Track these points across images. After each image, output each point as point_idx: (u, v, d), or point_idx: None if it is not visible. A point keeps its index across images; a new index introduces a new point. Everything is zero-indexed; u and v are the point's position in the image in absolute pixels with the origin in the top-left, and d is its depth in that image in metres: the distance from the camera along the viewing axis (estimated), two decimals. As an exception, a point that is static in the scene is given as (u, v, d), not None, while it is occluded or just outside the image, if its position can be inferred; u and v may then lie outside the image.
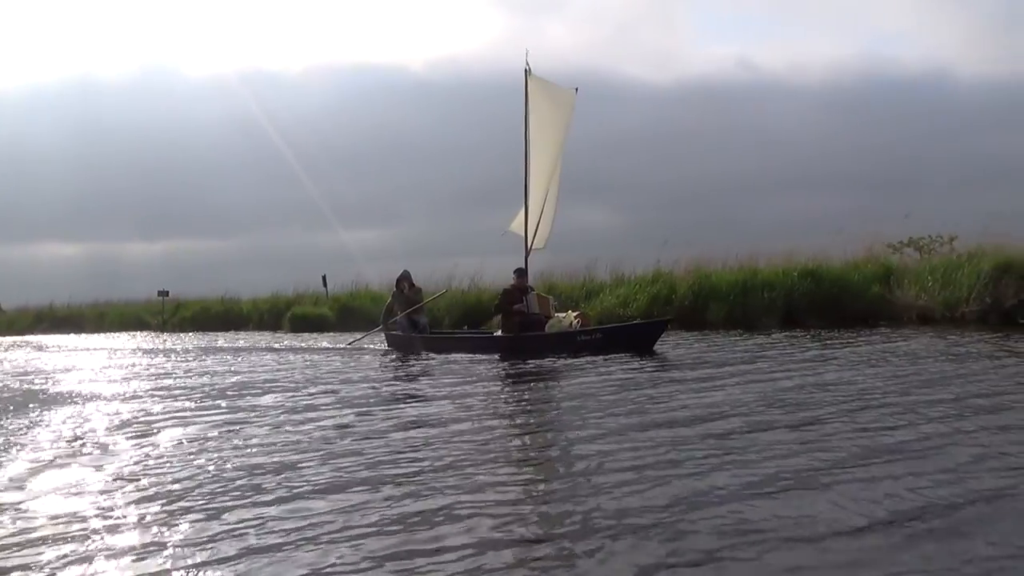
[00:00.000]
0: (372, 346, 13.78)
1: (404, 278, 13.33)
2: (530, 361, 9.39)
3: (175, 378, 8.71)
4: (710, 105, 33.63)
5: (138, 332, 24.06)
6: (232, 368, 9.99)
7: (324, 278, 22.26)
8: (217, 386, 7.64)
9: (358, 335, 15.13)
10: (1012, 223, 13.87)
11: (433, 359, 10.70)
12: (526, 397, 6.62)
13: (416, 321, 13.07)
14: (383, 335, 13.78)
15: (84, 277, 33.79)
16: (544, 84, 12.32)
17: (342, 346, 14.12)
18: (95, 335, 23.40)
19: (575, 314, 11.26)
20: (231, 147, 36.26)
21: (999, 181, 26.74)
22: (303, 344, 15.20)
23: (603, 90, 36.49)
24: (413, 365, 10.10)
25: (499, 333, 11.96)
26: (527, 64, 12.35)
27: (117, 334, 23.45)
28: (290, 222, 36.66)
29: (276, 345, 15.25)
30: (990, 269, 12.35)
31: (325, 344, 14.92)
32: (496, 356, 10.61)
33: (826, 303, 13.86)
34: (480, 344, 11.97)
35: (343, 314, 20.57)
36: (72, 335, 23.55)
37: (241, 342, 16.83)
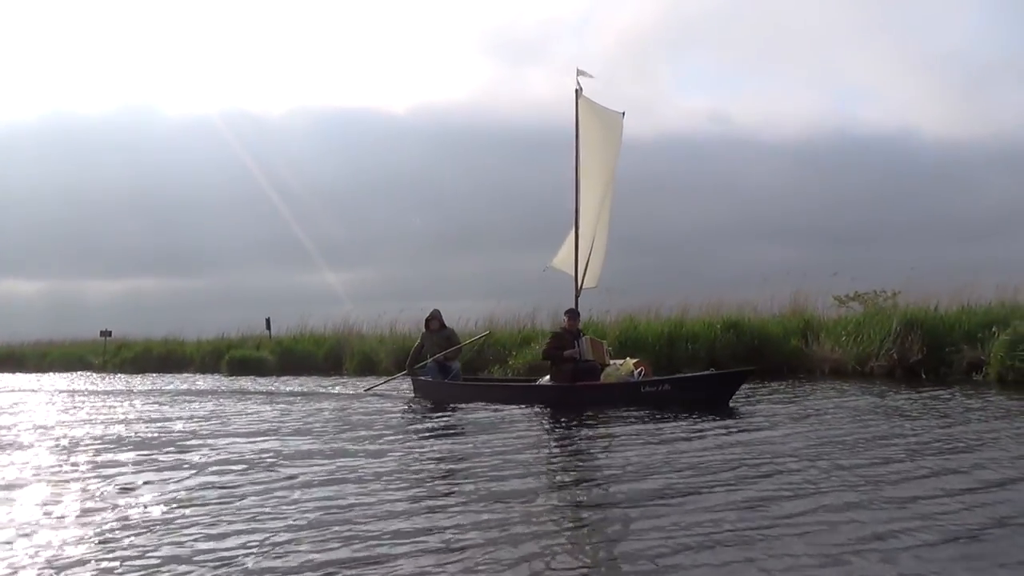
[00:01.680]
0: (395, 393, 12.70)
1: (434, 318, 12.37)
2: (585, 415, 8.51)
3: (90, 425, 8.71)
4: (684, 157, 34.60)
5: (78, 372, 23.67)
6: (187, 414, 9.70)
7: (268, 321, 22.24)
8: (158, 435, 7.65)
9: (378, 380, 14.07)
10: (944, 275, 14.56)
11: (468, 410, 9.64)
12: (584, 462, 5.85)
13: (447, 367, 12.07)
14: (410, 381, 12.60)
15: (40, 314, 33.20)
16: (594, 106, 11.35)
17: (360, 391, 13.14)
18: (32, 374, 22.99)
19: (634, 361, 10.22)
20: (209, 186, 36.13)
21: (956, 237, 27.80)
22: (308, 389, 14.24)
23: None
24: (444, 416, 9.22)
25: (543, 380, 10.77)
26: (578, 84, 11.39)
27: (56, 374, 23.04)
28: (264, 261, 36.45)
29: (283, 389, 14.46)
30: (897, 325, 12.88)
31: (338, 390, 14.01)
32: (543, 408, 9.53)
33: (747, 354, 14.25)
34: (525, 394, 10.56)
35: (284, 358, 20.52)
36: (6, 374, 23.11)
37: (201, 383, 16.65)
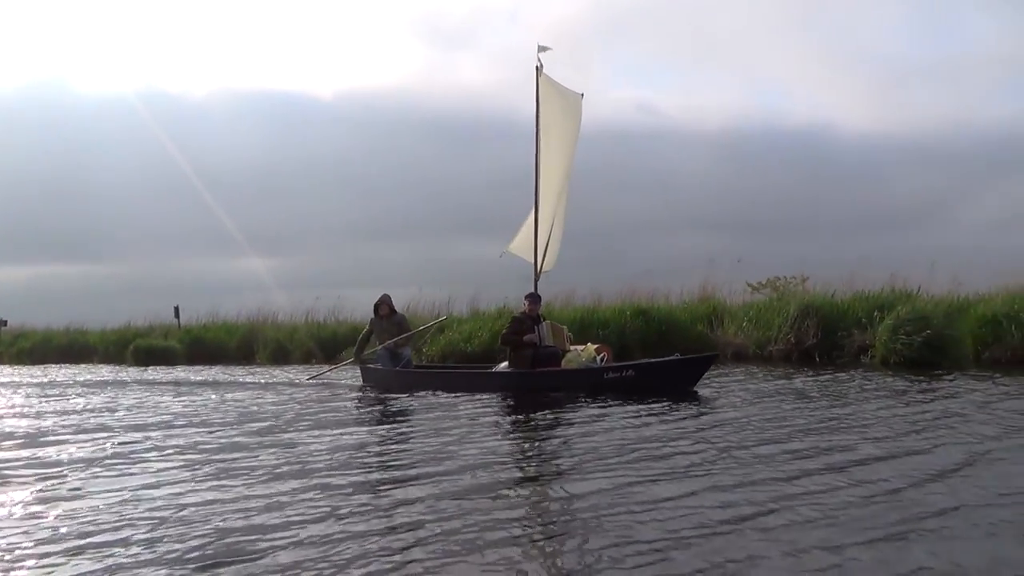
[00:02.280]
0: (344, 381, 12.09)
1: (383, 303, 11.68)
2: (545, 402, 8.20)
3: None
4: (612, 146, 34.97)
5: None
6: (99, 406, 9.15)
7: (176, 309, 21.56)
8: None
9: (323, 368, 13.49)
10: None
11: (421, 399, 9.24)
12: (544, 452, 5.55)
13: (398, 353, 11.50)
14: (358, 369, 12.02)
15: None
16: (555, 85, 10.89)
17: (305, 380, 12.46)
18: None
19: (595, 346, 9.94)
20: (123, 168, 34.48)
21: (870, 227, 29.03)
22: (249, 379, 13.46)
23: (510, 129, 37.45)
24: (395, 406, 8.75)
25: (500, 366, 10.32)
26: (539, 60, 10.84)
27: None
28: (183, 248, 35.10)
29: (221, 379, 13.72)
30: (795, 311, 13.44)
31: (282, 378, 13.43)
32: (501, 395, 9.22)
33: (656, 340, 14.61)
34: (481, 381, 10.20)
35: (193, 347, 19.92)
36: None
37: (105, 374, 15.94)
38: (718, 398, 8.27)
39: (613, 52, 41.18)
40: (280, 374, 14.45)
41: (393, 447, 5.77)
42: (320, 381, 12.16)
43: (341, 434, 6.43)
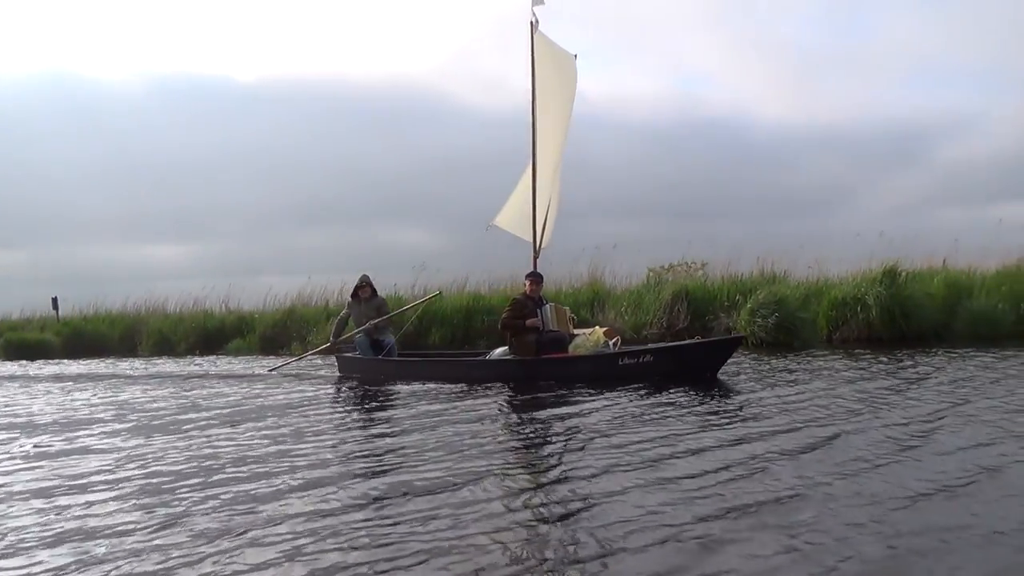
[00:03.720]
0: (319, 371, 11.16)
1: (364, 284, 10.71)
2: (553, 393, 7.45)
3: None
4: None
5: None
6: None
7: (55, 300, 20.57)
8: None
9: (286, 358, 12.38)
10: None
11: (408, 391, 8.26)
12: (554, 452, 4.87)
13: (380, 340, 10.47)
14: (335, 359, 11.01)
15: None
16: (550, 44, 9.98)
17: (267, 371, 11.28)
18: None
19: (603, 330, 9.09)
20: (33, 152, 32.38)
21: (784, 212, 30.14)
22: (204, 369, 12.50)
23: (437, 113, 37.10)
24: (379, 399, 7.91)
25: (496, 353, 9.52)
26: (533, 15, 9.95)
27: None
28: (94, 234, 33.34)
29: (168, 370, 12.56)
30: (669, 296, 13.98)
31: (241, 369, 12.32)
32: (501, 387, 8.27)
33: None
34: (479, 370, 9.24)
35: (72, 340, 19.11)
36: None
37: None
38: (740, 385, 7.65)
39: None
40: (235, 366, 13.24)
41: (375, 450, 5.04)
42: (285, 373, 11.07)
43: (310, 436, 5.62)
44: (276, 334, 16.65)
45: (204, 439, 5.64)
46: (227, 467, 4.59)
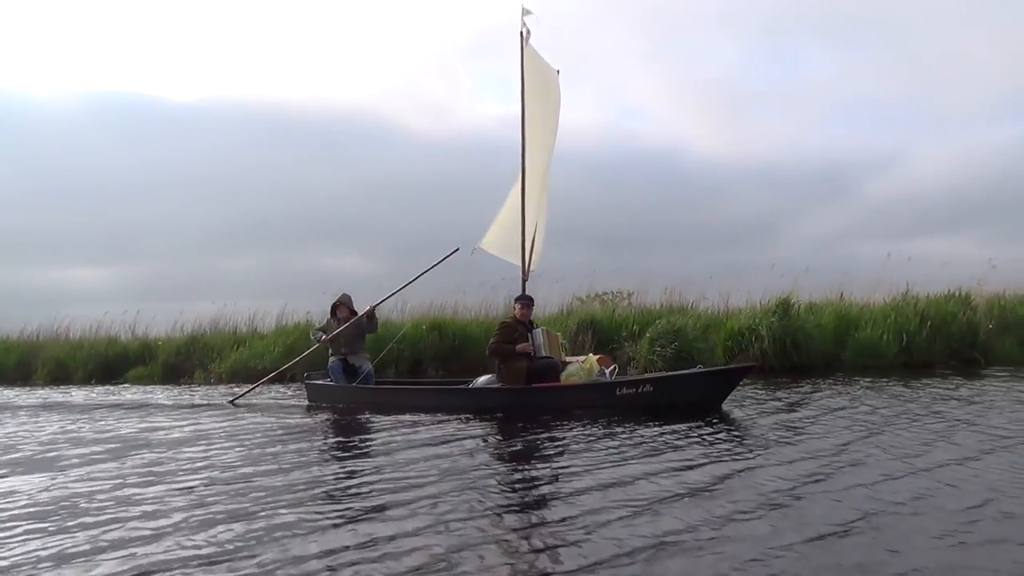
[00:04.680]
0: (286, 400, 10.34)
1: (342, 303, 10.00)
2: (545, 425, 6.91)
3: None
4: (477, 158, 35.20)
5: None
6: None
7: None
8: None
9: (247, 386, 11.27)
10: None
11: (387, 422, 7.55)
12: (544, 493, 4.41)
13: (356, 366, 9.72)
14: (304, 386, 10.15)
15: None
16: (538, 58, 9.59)
17: (228, 400, 10.38)
18: None
19: (597, 357, 8.59)
20: None
21: (714, 243, 30.85)
22: (146, 399, 11.42)
23: (378, 139, 36.87)
24: (356, 431, 7.23)
25: (480, 381, 8.93)
26: (524, 25, 9.53)
27: None
28: (11, 256, 31.75)
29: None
30: (574, 324, 14.16)
31: (186, 400, 11.16)
32: (490, 417, 7.75)
33: (449, 354, 14.92)
34: (465, 399, 8.69)
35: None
36: None
37: None
38: (749, 418, 7.18)
39: (483, 66, 41.75)
40: (131, 395, 12.21)
41: (351, 490, 4.58)
42: (243, 404, 10.13)
43: (278, 474, 5.11)
44: (180, 362, 16.17)
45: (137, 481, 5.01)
46: (184, 517, 4.03)
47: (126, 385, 15.12)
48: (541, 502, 4.20)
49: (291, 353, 14.78)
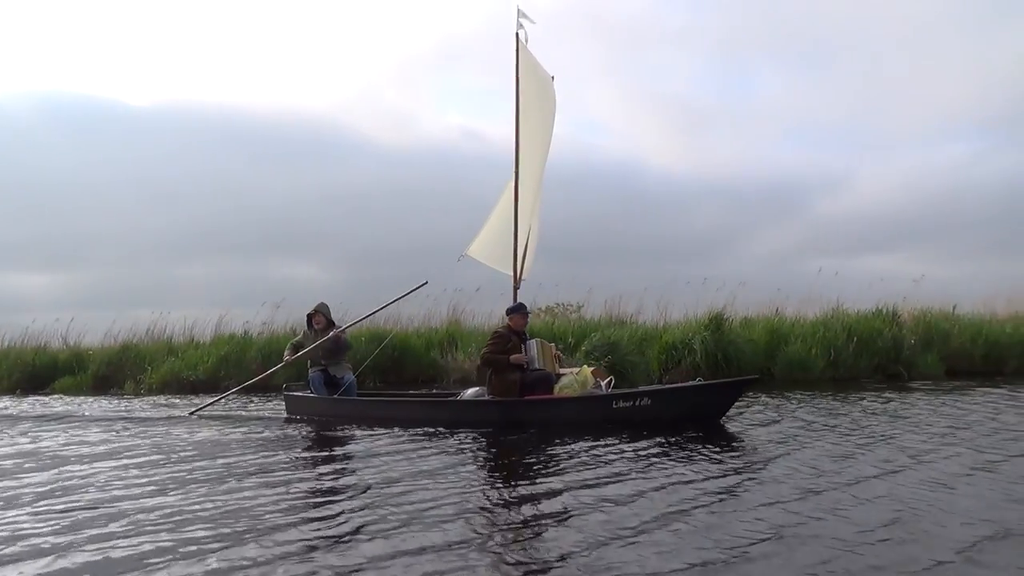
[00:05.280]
0: (260, 412, 9.92)
1: (319, 312, 9.67)
2: (535, 440, 6.76)
3: None
4: (437, 170, 35.02)
5: None
6: None
7: None
8: None
9: (211, 396, 10.83)
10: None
11: (369, 436, 7.35)
12: (534, 513, 4.22)
13: (337, 377, 9.45)
14: (283, 397, 9.78)
15: None
16: (534, 63, 9.39)
17: (190, 412, 9.90)
18: None
19: (591, 369, 8.38)
20: None
21: (671, 257, 31.17)
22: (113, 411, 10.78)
23: (337, 148, 36.43)
24: (334, 447, 6.91)
25: (469, 393, 8.69)
26: (520, 26, 9.31)
27: None
28: None
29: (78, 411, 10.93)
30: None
31: (152, 411, 10.56)
32: (476, 431, 7.46)
33: (389, 365, 14.81)
34: (454, 412, 8.39)
35: None
36: None
37: None
38: (746, 432, 7.13)
39: (447, 77, 41.69)
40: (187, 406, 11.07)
41: (331, 506, 4.41)
42: (207, 415, 9.73)
43: (255, 491, 4.83)
44: (111, 372, 15.72)
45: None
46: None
47: (54, 395, 14.65)
48: (533, 521, 4.05)
49: (225, 364, 14.57)
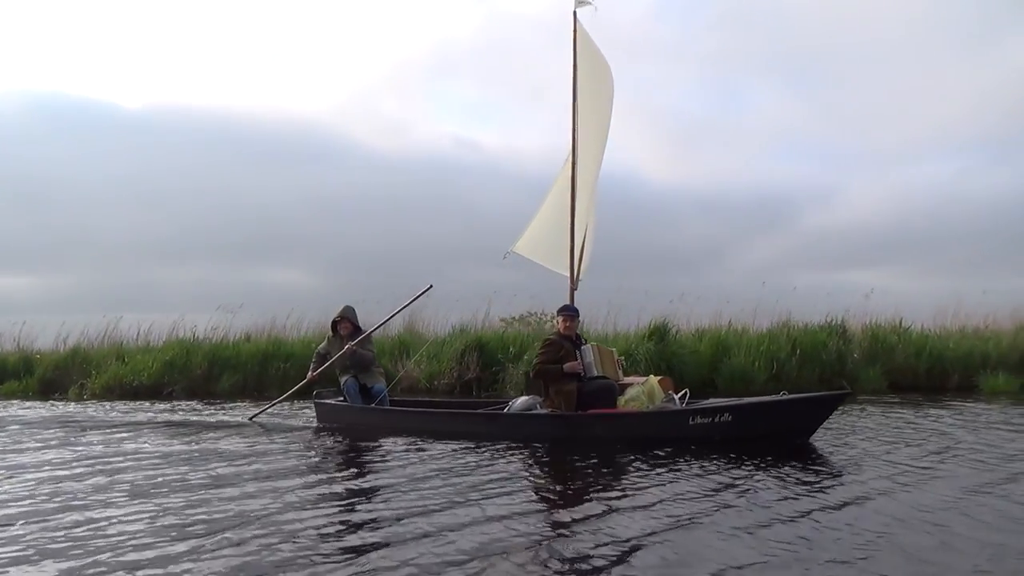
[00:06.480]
0: (289, 420, 9.49)
1: (345, 318, 9.14)
2: (597, 461, 5.96)
3: None
4: (428, 176, 34.99)
5: None
6: None
7: None
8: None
9: (263, 404, 10.41)
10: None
11: (405, 447, 6.83)
12: (599, 553, 3.49)
13: (368, 386, 8.97)
14: (313, 405, 9.33)
15: None
16: (593, 48, 8.81)
17: (248, 420, 9.47)
18: None
19: (658, 379, 7.50)
20: None
21: (660, 268, 31.16)
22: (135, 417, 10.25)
23: (329, 153, 36.36)
24: (371, 459, 6.35)
25: (519, 404, 7.89)
26: (577, 4, 8.81)
27: None
28: None
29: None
30: (460, 346, 14.20)
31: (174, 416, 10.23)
32: (528, 448, 6.69)
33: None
34: (501, 427, 7.59)
35: None
36: None
37: None
38: (844, 454, 6.25)
39: (443, 85, 41.76)
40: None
41: (366, 531, 3.94)
42: (258, 420, 9.39)
43: (260, 515, 4.30)
44: (58, 376, 15.59)
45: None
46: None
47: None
48: (598, 561, 3.40)
49: (170, 369, 14.46)
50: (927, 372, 14.10)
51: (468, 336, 14.57)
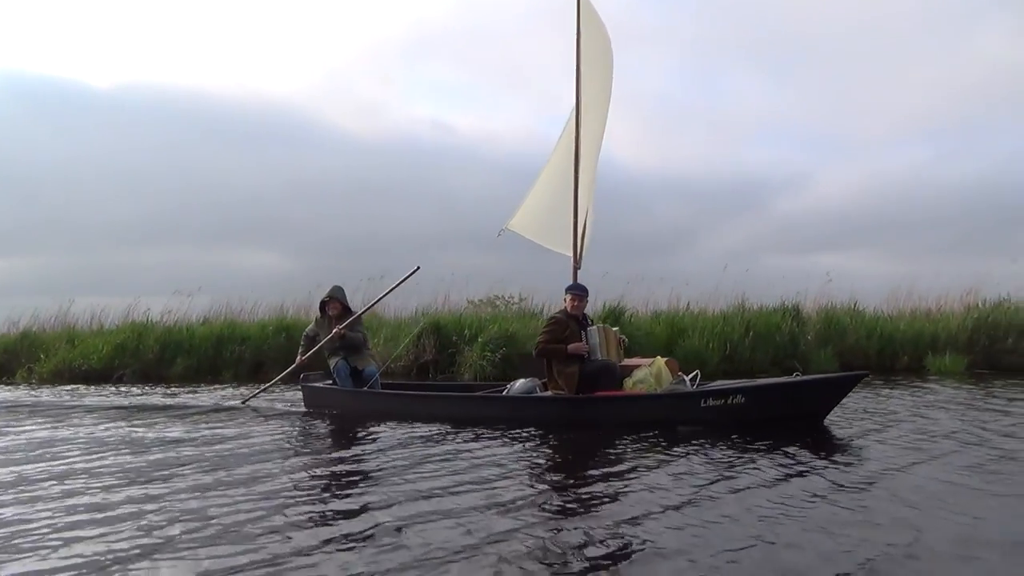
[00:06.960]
0: (276, 404, 9.09)
1: (334, 298, 8.84)
2: (602, 446, 5.74)
3: None
4: (404, 159, 34.48)
5: None
6: None
7: None
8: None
9: (254, 388, 10.15)
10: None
11: (398, 433, 6.48)
12: (601, 547, 3.24)
13: (360, 369, 8.65)
14: (300, 389, 8.88)
15: None
16: (597, 20, 8.55)
17: (238, 403, 9.15)
18: None
19: (665, 360, 7.18)
20: None
21: (633, 252, 31.20)
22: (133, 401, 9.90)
23: (303, 135, 35.65)
24: (361, 444, 6.06)
25: (517, 386, 7.71)
26: None
27: None
28: None
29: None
30: (418, 329, 14.15)
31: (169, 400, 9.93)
32: (528, 432, 6.40)
33: (294, 357, 14.62)
34: (502, 410, 7.38)
35: None
36: None
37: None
38: (864, 438, 5.99)
39: (422, 68, 41.12)
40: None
41: (356, 523, 3.66)
42: (249, 405, 9.04)
43: (249, 503, 4.06)
44: (7, 359, 15.26)
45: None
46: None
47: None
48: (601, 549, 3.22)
49: (121, 353, 14.24)
50: (878, 353, 14.37)
51: (428, 318, 14.50)
